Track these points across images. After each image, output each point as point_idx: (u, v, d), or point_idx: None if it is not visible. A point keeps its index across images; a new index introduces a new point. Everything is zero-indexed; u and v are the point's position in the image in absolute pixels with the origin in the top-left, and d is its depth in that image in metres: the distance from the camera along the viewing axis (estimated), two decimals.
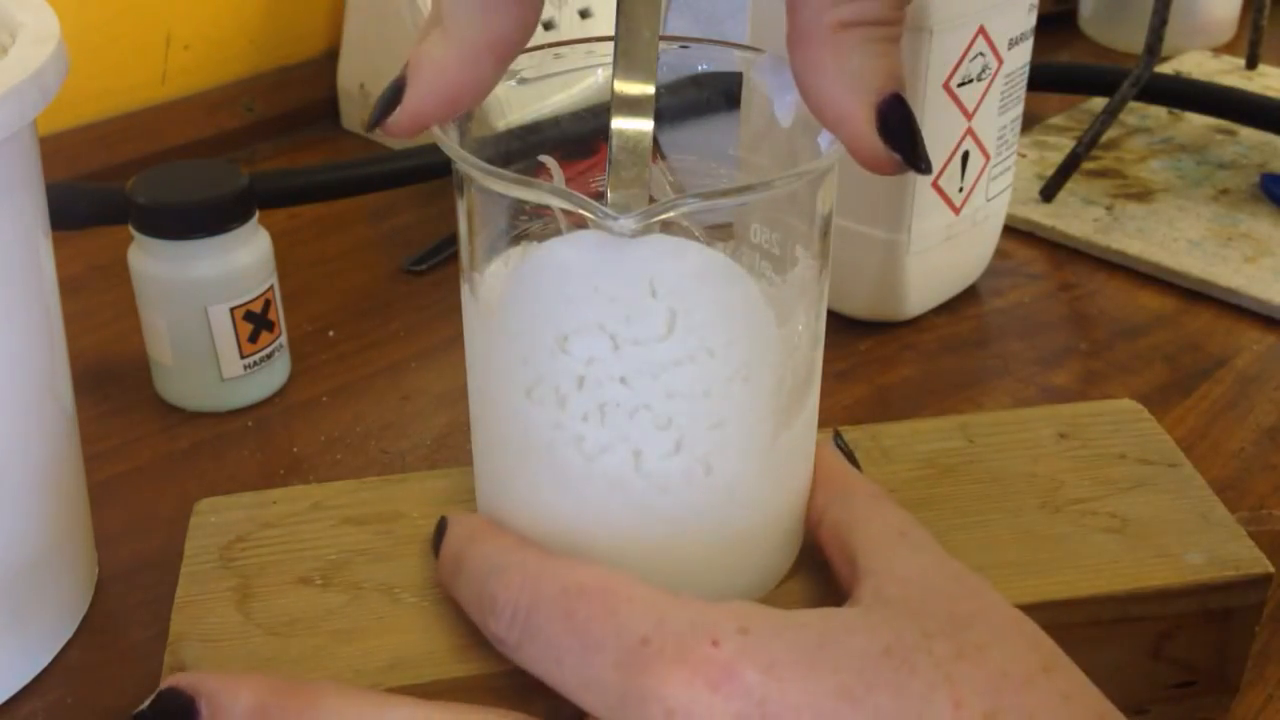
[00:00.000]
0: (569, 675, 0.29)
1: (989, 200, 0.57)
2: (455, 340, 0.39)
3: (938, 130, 0.52)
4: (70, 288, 0.42)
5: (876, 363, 0.55)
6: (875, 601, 0.30)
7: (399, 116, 0.31)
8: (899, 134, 0.30)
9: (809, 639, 0.28)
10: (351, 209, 0.67)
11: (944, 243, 0.56)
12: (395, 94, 0.31)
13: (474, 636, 0.35)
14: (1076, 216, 0.65)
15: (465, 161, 0.32)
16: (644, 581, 0.30)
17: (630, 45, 0.32)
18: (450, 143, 0.32)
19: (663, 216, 0.30)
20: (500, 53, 0.31)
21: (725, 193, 0.32)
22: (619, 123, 0.32)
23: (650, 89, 0.32)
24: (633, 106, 0.32)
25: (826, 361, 0.37)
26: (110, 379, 0.54)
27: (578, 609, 0.29)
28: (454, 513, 0.36)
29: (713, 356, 0.32)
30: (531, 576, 0.30)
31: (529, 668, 0.30)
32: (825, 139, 0.32)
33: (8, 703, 0.39)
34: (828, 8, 0.30)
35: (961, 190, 0.55)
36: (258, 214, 0.51)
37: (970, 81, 0.53)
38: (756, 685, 0.27)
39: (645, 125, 0.32)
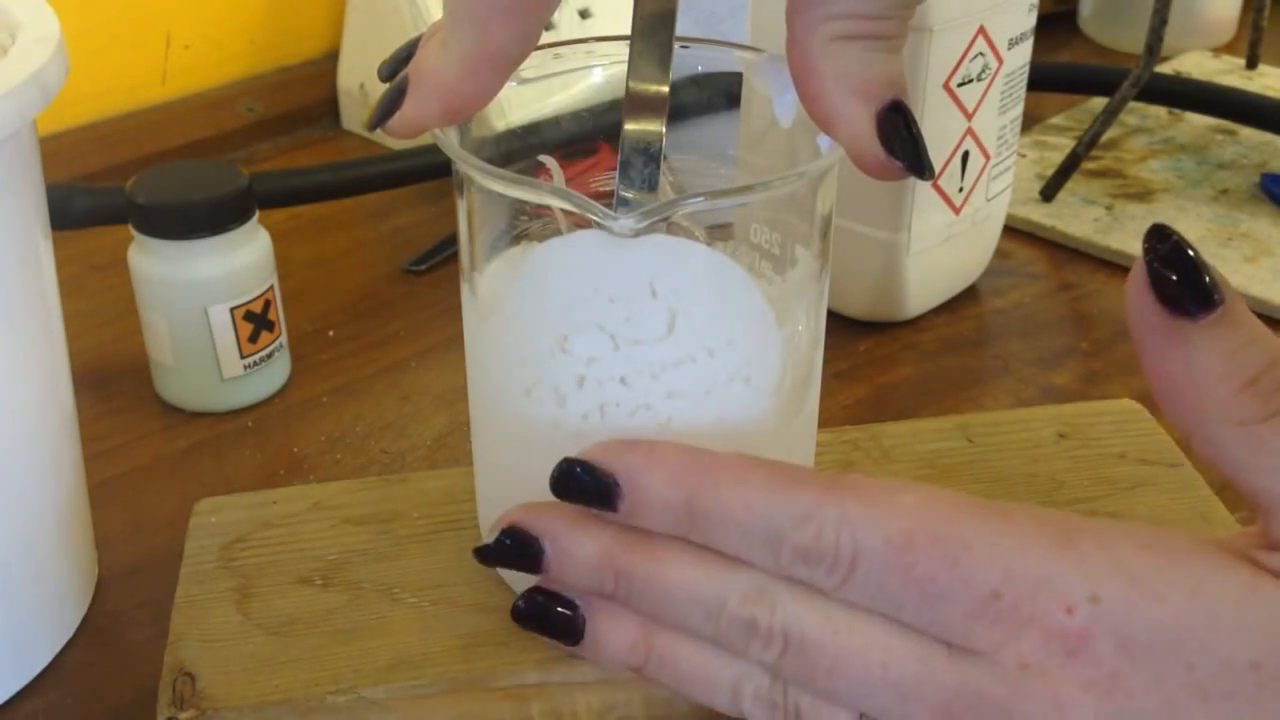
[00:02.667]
0: (910, 619, 0.28)
1: (989, 200, 0.57)
2: (455, 340, 0.39)
3: (938, 130, 0.52)
4: (70, 288, 0.42)
5: (876, 363, 0.55)
6: (1256, 586, 0.27)
7: (397, 122, 0.32)
8: (900, 141, 0.30)
9: (1165, 624, 0.27)
10: (351, 209, 0.67)
11: (944, 243, 0.56)
12: (396, 97, 0.31)
13: (474, 636, 0.35)
14: (1076, 216, 0.65)
15: (465, 161, 0.32)
16: (959, 506, 0.28)
17: (645, 46, 0.32)
18: (450, 143, 0.32)
19: (663, 217, 0.30)
20: (501, 66, 0.31)
21: (725, 193, 0.32)
22: (631, 124, 0.32)
23: (664, 89, 0.32)
24: (646, 107, 0.32)
25: (826, 361, 0.37)
26: (110, 379, 0.54)
27: (914, 564, 0.28)
28: (607, 447, 0.30)
29: (713, 356, 0.32)
30: (846, 527, 0.28)
31: (854, 604, 0.29)
32: (825, 139, 0.32)
33: (8, 703, 0.39)
34: (827, 19, 0.30)
35: (961, 190, 0.55)
36: (258, 214, 0.51)
37: (970, 81, 0.53)
38: (1109, 657, 0.27)
39: (657, 126, 0.32)
